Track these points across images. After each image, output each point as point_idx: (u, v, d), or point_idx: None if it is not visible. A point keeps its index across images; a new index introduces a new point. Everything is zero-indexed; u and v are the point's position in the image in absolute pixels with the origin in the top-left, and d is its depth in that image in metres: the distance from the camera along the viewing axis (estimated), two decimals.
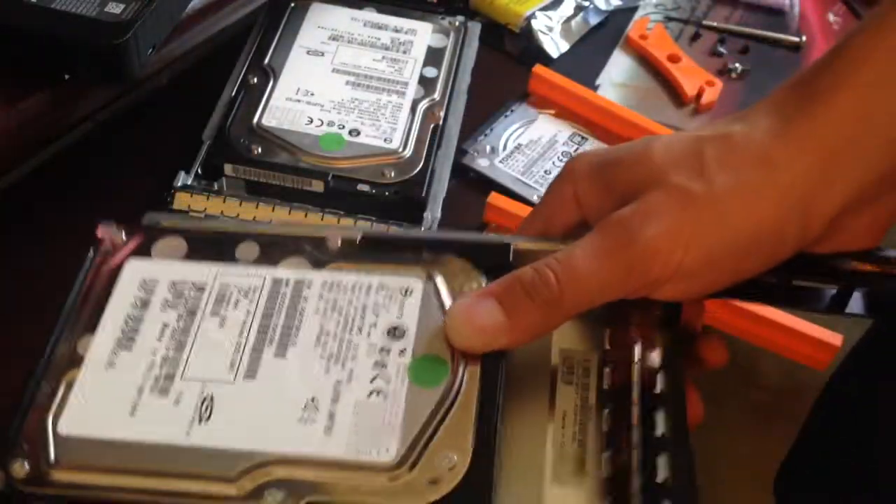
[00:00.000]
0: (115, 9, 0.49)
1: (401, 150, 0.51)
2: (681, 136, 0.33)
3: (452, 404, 0.31)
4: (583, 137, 0.61)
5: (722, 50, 0.71)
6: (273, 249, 0.36)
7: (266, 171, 0.49)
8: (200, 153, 0.50)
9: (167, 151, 0.51)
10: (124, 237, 0.37)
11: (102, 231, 0.37)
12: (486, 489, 0.30)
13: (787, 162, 0.30)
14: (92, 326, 0.34)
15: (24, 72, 0.50)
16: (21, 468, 0.30)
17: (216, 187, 0.49)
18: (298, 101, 0.53)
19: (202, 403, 0.32)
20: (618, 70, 0.68)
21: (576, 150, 0.60)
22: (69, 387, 0.33)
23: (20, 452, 0.31)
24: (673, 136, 0.33)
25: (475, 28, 0.61)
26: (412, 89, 0.55)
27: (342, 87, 0.54)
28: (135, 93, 0.58)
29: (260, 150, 0.50)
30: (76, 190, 0.54)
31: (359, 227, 0.39)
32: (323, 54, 0.56)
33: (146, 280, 0.36)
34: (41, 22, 0.48)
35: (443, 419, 0.31)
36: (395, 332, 0.34)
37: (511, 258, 0.35)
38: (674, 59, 0.68)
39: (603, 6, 0.72)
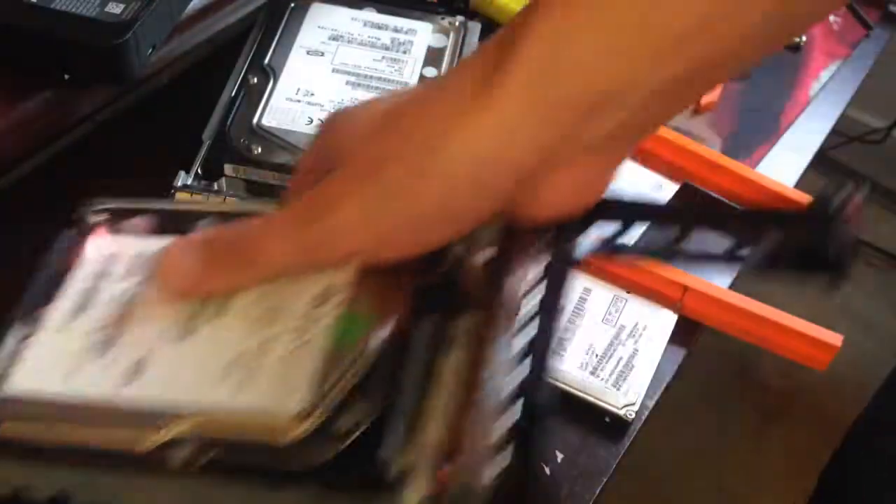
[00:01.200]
0: (115, 9, 0.49)
1: None
2: (381, 103, 0.32)
3: (367, 359, 0.32)
4: None
5: None
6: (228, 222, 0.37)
7: (266, 171, 0.49)
8: (200, 153, 0.50)
9: (167, 151, 0.51)
10: (95, 217, 0.38)
11: (77, 213, 0.39)
12: (390, 443, 0.30)
13: (477, 129, 0.29)
14: (55, 296, 0.36)
15: (24, 72, 0.50)
16: None
17: (216, 187, 0.49)
18: (298, 101, 0.53)
19: (137, 364, 0.33)
20: None
21: None
22: (25, 349, 0.34)
23: None
24: (375, 103, 0.32)
25: (475, 28, 0.61)
26: None
27: (342, 87, 0.54)
28: (135, 93, 0.58)
29: (260, 150, 0.50)
30: (76, 190, 0.54)
31: None
32: (323, 54, 0.56)
33: (110, 254, 0.37)
34: (41, 22, 0.48)
35: (356, 374, 0.31)
36: (327, 293, 0.33)
37: None
38: None
39: None
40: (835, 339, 0.51)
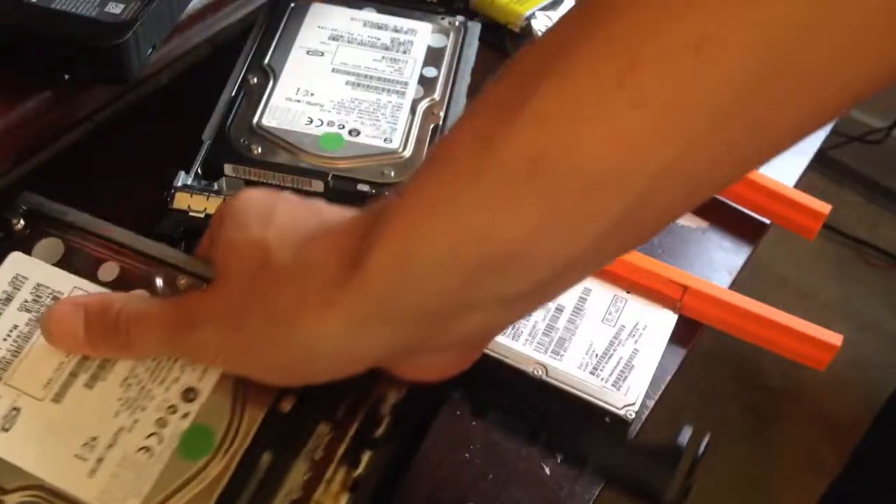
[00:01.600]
0: (115, 9, 0.49)
1: (401, 150, 0.51)
2: (269, 228, 0.32)
3: (201, 482, 0.34)
4: None
5: None
6: (129, 273, 0.39)
7: (266, 171, 0.49)
8: (200, 153, 0.50)
9: (167, 151, 0.51)
10: (22, 223, 0.41)
11: (8, 212, 0.41)
12: None
13: (323, 319, 0.30)
14: None
15: (24, 72, 0.50)
16: None
17: (216, 187, 0.49)
18: (298, 101, 0.53)
19: (10, 412, 0.35)
20: None
21: None
22: None
23: None
24: (262, 227, 0.33)
25: (475, 28, 0.61)
26: (412, 89, 0.55)
27: (342, 87, 0.54)
28: (135, 93, 0.58)
29: (260, 150, 0.50)
30: (76, 190, 0.54)
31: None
32: (323, 54, 0.56)
33: (19, 276, 0.39)
34: (41, 22, 0.48)
35: (186, 494, 0.34)
36: (189, 394, 0.36)
37: None
38: None
39: None
40: (835, 338, 0.51)
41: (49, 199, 0.41)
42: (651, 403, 0.49)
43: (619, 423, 0.47)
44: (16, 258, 0.40)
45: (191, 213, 0.47)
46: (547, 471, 0.45)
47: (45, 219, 0.41)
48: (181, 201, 0.47)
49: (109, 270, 0.39)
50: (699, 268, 0.56)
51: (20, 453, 0.35)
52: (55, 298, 0.38)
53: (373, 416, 0.35)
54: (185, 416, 0.35)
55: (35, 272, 0.39)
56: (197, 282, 0.39)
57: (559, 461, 0.46)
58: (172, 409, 0.36)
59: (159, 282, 0.39)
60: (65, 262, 0.40)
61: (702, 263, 0.56)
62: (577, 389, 0.47)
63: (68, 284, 0.39)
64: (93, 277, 0.39)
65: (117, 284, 0.39)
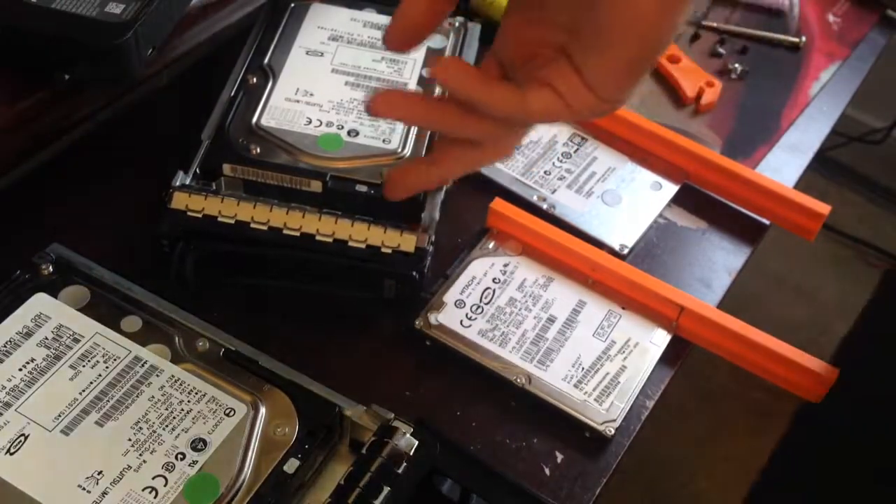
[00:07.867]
0: (115, 9, 0.49)
1: (399, 150, 0.51)
2: None
3: None
4: (583, 138, 0.61)
5: (721, 50, 0.71)
6: (151, 328, 0.42)
7: (264, 171, 0.49)
8: (199, 153, 0.50)
9: (167, 151, 0.51)
10: (51, 269, 0.43)
11: (37, 258, 0.43)
12: None
13: None
14: None
15: (24, 72, 0.50)
16: None
17: (214, 187, 0.49)
18: (297, 101, 0.53)
19: (17, 438, 0.37)
20: None
21: (576, 151, 0.60)
22: None
23: None
24: None
25: (475, 28, 0.61)
26: (412, 90, 0.55)
27: (341, 87, 0.54)
28: (135, 93, 0.58)
29: (259, 150, 0.50)
30: (76, 190, 0.54)
31: (232, 340, 0.43)
32: (322, 54, 0.56)
33: (42, 315, 0.41)
34: (41, 22, 0.48)
35: None
36: (199, 444, 0.38)
37: (335, 420, 0.40)
38: (674, 59, 0.68)
39: None
40: (829, 371, 0.49)
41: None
42: (651, 404, 0.48)
43: (599, 438, 0.46)
44: (40, 299, 0.42)
45: (189, 213, 0.47)
46: (547, 471, 0.45)
47: (72, 270, 0.43)
48: (179, 201, 0.47)
49: (133, 323, 0.42)
50: (699, 268, 0.56)
51: (23, 477, 0.36)
52: (76, 340, 0.40)
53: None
54: (193, 463, 0.37)
55: (58, 314, 0.41)
56: (216, 346, 0.41)
57: (559, 461, 0.46)
58: (181, 456, 0.37)
59: (179, 341, 0.41)
60: (89, 310, 0.42)
61: (702, 264, 0.56)
62: (557, 401, 0.47)
63: (90, 329, 0.41)
64: (115, 327, 0.41)
65: (139, 337, 0.41)
